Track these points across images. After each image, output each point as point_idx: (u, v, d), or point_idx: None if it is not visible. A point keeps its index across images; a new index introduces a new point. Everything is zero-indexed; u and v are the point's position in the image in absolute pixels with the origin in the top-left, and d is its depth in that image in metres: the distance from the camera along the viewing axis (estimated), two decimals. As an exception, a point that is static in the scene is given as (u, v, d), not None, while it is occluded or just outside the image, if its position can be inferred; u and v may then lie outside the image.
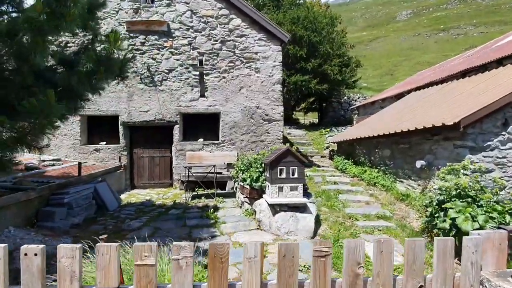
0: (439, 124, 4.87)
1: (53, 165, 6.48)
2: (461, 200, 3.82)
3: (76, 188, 5.06)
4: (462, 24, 61.09)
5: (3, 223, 3.74)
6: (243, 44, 7.97)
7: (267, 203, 4.77)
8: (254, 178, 5.32)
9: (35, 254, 1.09)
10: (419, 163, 5.61)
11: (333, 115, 18.87)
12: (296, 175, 4.81)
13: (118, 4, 7.68)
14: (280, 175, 4.78)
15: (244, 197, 5.68)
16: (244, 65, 8.00)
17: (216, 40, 7.91)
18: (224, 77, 7.99)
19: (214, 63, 7.94)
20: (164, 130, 8.03)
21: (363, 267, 1.22)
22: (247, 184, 5.43)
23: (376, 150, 7.60)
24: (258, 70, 8.04)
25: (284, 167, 4.79)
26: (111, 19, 7.70)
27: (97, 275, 1.11)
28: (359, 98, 19.58)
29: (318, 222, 5.05)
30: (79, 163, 5.73)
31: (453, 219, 3.67)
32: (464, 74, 8.24)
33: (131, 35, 7.73)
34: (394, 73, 47.72)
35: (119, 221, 5.12)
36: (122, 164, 7.73)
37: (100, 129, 8.06)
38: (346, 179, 7.92)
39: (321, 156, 11.22)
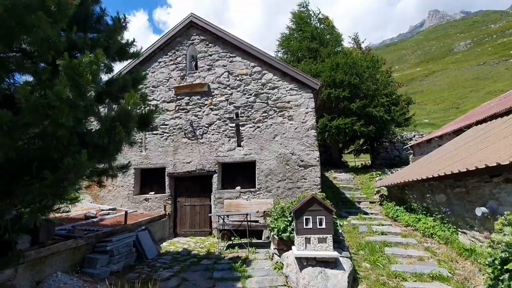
0: (493, 164, 4.17)
1: (108, 214, 7.30)
2: (529, 260, 3.04)
3: (119, 236, 5.55)
4: (538, 47, 54.18)
5: (53, 268, 4.26)
6: (275, 95, 8.43)
7: (294, 256, 4.47)
8: (282, 228, 5.12)
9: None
10: (479, 211, 4.72)
11: (386, 156, 17.53)
12: (324, 225, 4.49)
13: (168, 74, 9.10)
14: (306, 225, 4.53)
15: (274, 248, 5.43)
16: (277, 114, 8.34)
17: (250, 94, 8.55)
18: (258, 127, 8.38)
19: (249, 115, 8.47)
20: (204, 179, 8.51)
21: None
22: (276, 235, 5.24)
23: (428, 195, 6.69)
24: (291, 117, 8.26)
25: (310, 216, 4.54)
26: (163, 86, 9.08)
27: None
28: (414, 136, 18.03)
29: (355, 280, 4.47)
30: (126, 212, 6.36)
31: (521, 285, 2.89)
32: (532, 103, 7.10)
33: (178, 97, 8.91)
34: (460, 106, 43.33)
35: (153, 269, 5.33)
36: (167, 212, 8.27)
37: (150, 180, 8.97)
38: (396, 229, 7.00)
39: (370, 202, 10.25)
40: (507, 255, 3.22)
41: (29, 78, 3.89)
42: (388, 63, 21.36)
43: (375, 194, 10.71)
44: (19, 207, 3.34)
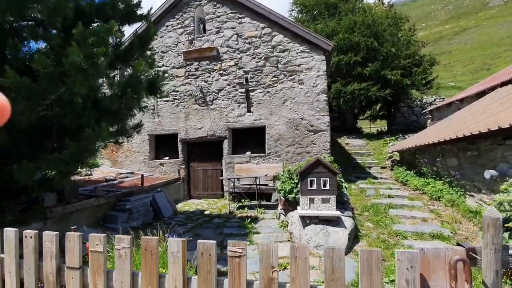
0: (506, 125, 4.02)
1: (127, 177, 7.80)
2: (529, 219, 3.06)
3: (137, 196, 6.00)
4: None
5: (78, 223, 4.75)
6: (286, 58, 8.18)
7: (298, 215, 4.71)
8: (288, 190, 5.32)
9: (31, 237, 1.50)
10: (488, 173, 4.67)
11: (403, 121, 17.00)
12: (328, 187, 4.63)
13: (177, 38, 8.95)
14: (310, 186, 4.68)
15: (280, 209, 5.71)
16: (287, 78, 8.17)
17: (260, 58, 8.34)
18: (268, 92, 8.30)
19: (259, 79, 8.35)
20: (215, 145, 8.75)
21: (277, 271, 1.23)
22: (282, 196, 5.47)
23: (438, 160, 6.60)
24: (301, 81, 8.08)
25: (315, 178, 4.68)
26: (172, 51, 8.99)
27: (66, 257, 1.46)
28: (435, 100, 17.19)
29: (356, 238, 4.69)
30: (142, 176, 6.78)
31: (517, 242, 2.96)
32: None
33: (187, 63, 8.85)
34: (491, 67, 40.09)
35: (169, 226, 5.80)
36: (181, 176, 8.71)
37: (164, 146, 9.33)
38: (404, 192, 7.07)
39: (382, 167, 10.25)
40: (509, 215, 3.25)
41: (42, 46, 4.00)
42: (413, 20, 19.72)
43: (387, 159, 10.65)
44: (44, 169, 3.66)
